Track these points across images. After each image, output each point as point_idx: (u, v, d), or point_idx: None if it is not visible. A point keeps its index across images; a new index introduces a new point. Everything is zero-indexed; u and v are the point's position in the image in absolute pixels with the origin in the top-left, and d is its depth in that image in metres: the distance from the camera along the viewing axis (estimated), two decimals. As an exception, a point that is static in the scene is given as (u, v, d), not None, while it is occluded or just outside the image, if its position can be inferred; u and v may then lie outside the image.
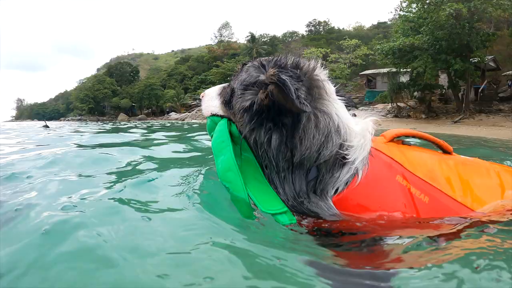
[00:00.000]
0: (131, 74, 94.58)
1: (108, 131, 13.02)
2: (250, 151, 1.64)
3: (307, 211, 1.52)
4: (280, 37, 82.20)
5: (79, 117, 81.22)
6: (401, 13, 23.46)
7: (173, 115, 61.67)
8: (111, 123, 35.03)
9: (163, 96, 71.45)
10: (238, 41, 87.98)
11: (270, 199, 1.54)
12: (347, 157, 1.49)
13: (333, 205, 1.50)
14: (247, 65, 1.69)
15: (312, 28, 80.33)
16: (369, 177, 1.51)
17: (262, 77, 1.51)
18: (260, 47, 70.81)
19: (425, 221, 1.49)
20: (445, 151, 1.86)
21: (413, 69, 22.03)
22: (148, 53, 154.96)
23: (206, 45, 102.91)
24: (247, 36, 76.51)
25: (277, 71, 1.42)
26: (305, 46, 56.66)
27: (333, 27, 79.28)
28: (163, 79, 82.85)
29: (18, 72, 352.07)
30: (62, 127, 22.12)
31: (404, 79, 25.19)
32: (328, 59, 43.69)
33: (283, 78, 1.36)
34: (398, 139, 1.84)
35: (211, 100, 1.88)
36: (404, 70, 24.01)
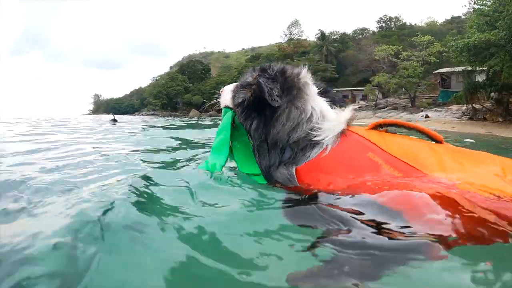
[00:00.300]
0: (203, 71, 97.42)
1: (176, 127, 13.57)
2: (246, 135, 2.12)
3: (273, 177, 1.93)
4: (350, 34, 79.95)
5: (152, 112, 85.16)
6: (476, 6, 21.34)
7: None
8: (180, 119, 36.12)
9: None
10: (308, 39, 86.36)
11: (250, 166, 2.06)
12: (315, 138, 1.81)
13: (293, 173, 1.83)
14: (249, 70, 2.21)
15: (383, 25, 76.95)
16: (336, 151, 1.77)
17: (250, 79, 2.03)
18: (330, 45, 69.58)
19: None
20: (436, 141, 1.85)
21: (489, 68, 20.38)
22: (219, 52, 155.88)
23: (276, 43, 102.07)
24: (317, 34, 75.33)
25: (258, 75, 1.92)
26: (376, 43, 54.21)
27: (405, 22, 75.43)
28: (234, 76, 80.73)
29: (95, 70, 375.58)
30: (131, 121, 23.49)
31: (480, 78, 23.36)
32: (400, 57, 41.08)
33: (260, 80, 1.84)
34: (382, 129, 1.94)
35: (226, 95, 2.25)
36: (480, 68, 22.16)
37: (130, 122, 22.40)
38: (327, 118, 1.90)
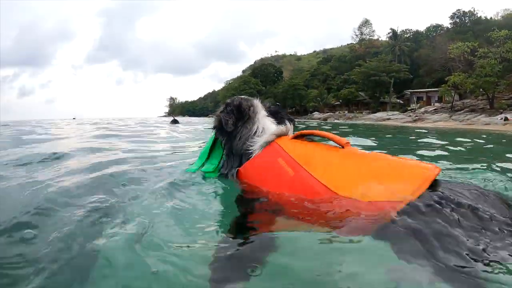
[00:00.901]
0: (275, 74, 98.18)
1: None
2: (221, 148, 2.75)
3: (228, 175, 2.55)
4: (424, 32, 76.98)
5: None
6: None
7: (316, 114, 62.95)
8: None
9: (307, 96, 72.85)
10: (380, 39, 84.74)
11: (210, 168, 2.75)
12: (250, 148, 2.41)
13: (234, 174, 2.45)
14: (224, 102, 2.77)
15: (457, 20, 72.05)
16: (257, 157, 2.35)
17: (218, 112, 2.69)
18: (402, 44, 68.62)
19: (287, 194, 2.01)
20: (341, 146, 2.15)
21: None
22: (291, 54, 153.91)
23: (347, 44, 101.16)
24: (389, 33, 74.54)
25: (220, 112, 2.63)
26: (451, 40, 50.46)
27: (480, 16, 69.93)
28: (306, 79, 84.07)
29: (169, 76, 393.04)
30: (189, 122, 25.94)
31: None
32: (477, 54, 39.12)
33: (221, 115, 2.57)
34: (303, 137, 2.37)
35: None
36: None
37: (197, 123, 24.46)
38: (267, 133, 2.45)
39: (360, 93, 62.55)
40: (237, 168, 2.44)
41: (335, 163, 2.01)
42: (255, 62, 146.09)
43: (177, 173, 2.90)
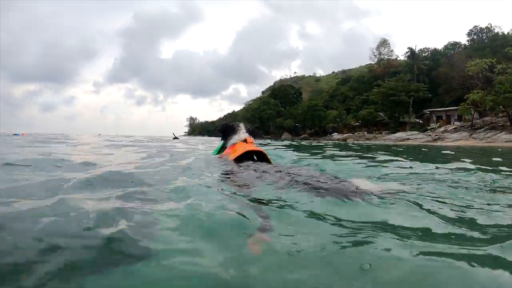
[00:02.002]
0: (294, 96, 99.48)
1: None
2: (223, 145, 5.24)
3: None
4: (441, 50, 76.91)
5: None
6: None
7: (335, 135, 62.87)
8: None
9: (326, 117, 73.31)
10: (398, 58, 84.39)
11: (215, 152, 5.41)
12: (228, 145, 4.95)
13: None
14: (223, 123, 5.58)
15: (474, 37, 72.01)
16: (227, 148, 4.90)
17: (219, 127, 5.47)
18: (421, 63, 68.75)
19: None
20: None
21: None
22: (310, 76, 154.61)
23: (366, 65, 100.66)
24: (407, 52, 74.45)
25: (219, 129, 5.46)
26: (469, 57, 50.44)
27: (497, 32, 69.16)
28: (325, 100, 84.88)
29: (188, 96, 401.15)
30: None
31: None
32: (495, 71, 39.72)
33: (220, 130, 5.39)
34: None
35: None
36: None
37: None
38: (240, 138, 4.82)
39: (379, 113, 62.48)
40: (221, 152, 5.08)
41: (238, 150, 4.41)
42: (274, 83, 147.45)
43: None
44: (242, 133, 4.89)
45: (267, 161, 4.29)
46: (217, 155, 5.11)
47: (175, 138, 23.98)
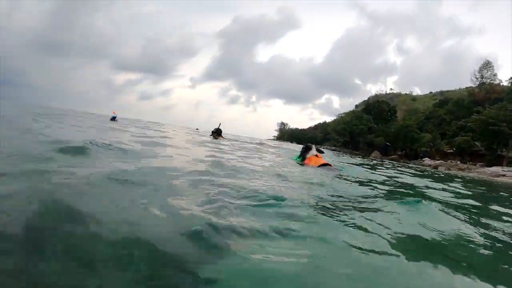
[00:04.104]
0: (388, 113, 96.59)
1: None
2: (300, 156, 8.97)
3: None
4: None
5: (334, 148, 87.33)
6: None
7: (426, 160, 59.31)
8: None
9: (419, 140, 70.64)
10: (502, 84, 78.05)
11: (297, 159, 9.09)
12: (307, 157, 8.52)
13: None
14: (305, 145, 9.16)
15: None
16: (306, 160, 8.52)
17: (304, 147, 9.04)
18: (528, 91, 62.32)
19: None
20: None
21: None
22: (406, 94, 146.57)
23: (466, 87, 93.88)
24: (511, 78, 69.87)
25: (304, 148, 8.94)
26: None
27: None
28: (420, 121, 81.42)
29: (281, 101, 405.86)
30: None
31: None
32: None
33: (304, 148, 8.95)
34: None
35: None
36: None
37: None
38: (313, 153, 8.49)
39: (475, 142, 59.58)
40: (303, 160, 8.43)
41: (318, 161, 7.93)
42: (368, 98, 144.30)
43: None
44: (314, 150, 8.45)
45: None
46: (298, 161, 8.62)
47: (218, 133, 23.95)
